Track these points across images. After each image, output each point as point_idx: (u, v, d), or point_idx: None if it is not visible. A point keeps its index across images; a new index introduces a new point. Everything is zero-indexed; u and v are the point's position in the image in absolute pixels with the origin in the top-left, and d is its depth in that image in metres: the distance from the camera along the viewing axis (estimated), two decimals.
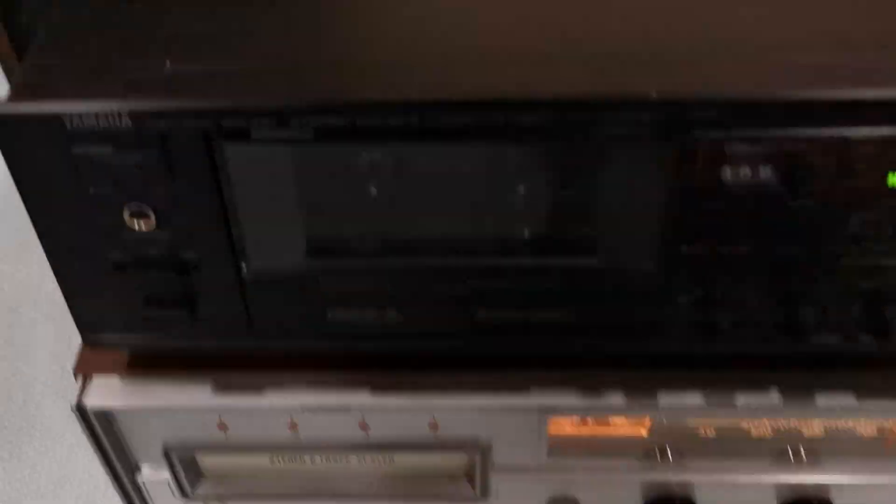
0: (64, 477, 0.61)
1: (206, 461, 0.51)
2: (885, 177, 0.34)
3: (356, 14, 0.39)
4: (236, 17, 0.38)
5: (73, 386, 0.61)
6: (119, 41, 0.37)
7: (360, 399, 0.45)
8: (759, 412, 0.45)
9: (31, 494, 0.59)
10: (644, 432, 0.48)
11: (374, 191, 0.37)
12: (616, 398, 0.45)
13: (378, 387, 0.45)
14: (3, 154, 0.36)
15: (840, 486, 0.49)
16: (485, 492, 0.51)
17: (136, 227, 0.38)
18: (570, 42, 0.36)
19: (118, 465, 0.49)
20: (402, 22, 0.37)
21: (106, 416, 0.46)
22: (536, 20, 0.37)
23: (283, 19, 0.38)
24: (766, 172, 0.34)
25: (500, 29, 0.37)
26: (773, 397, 0.44)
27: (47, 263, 0.76)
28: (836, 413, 0.45)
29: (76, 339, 0.68)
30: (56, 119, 0.34)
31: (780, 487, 0.49)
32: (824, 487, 0.49)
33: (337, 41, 0.37)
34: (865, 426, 0.46)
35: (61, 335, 0.68)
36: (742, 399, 0.44)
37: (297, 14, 0.38)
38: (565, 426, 0.48)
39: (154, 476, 0.51)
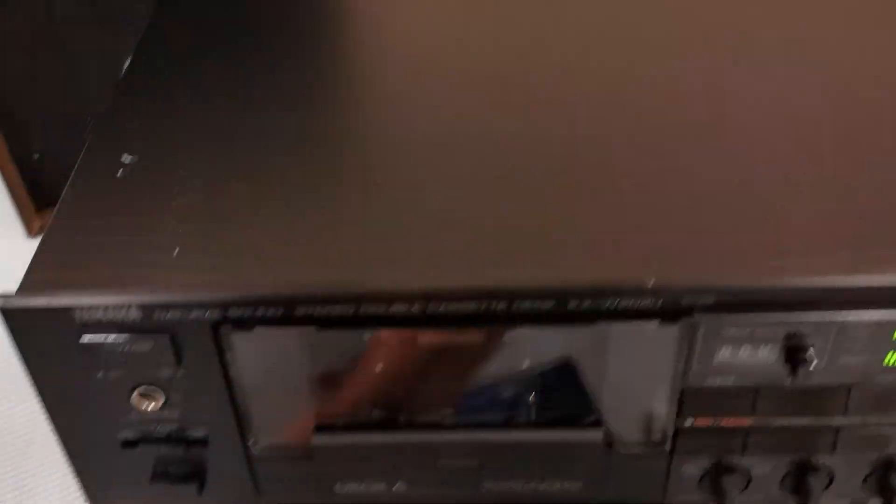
0: None
1: None
2: (881, 357, 0.34)
3: (355, 200, 0.39)
4: (244, 200, 0.39)
5: None
6: (128, 228, 0.38)
7: None
8: None
9: None
10: None
11: (378, 369, 0.38)
12: None
13: None
14: (15, 343, 0.36)
15: None
16: None
17: (145, 408, 0.38)
18: (571, 228, 0.36)
19: None
20: (406, 209, 0.38)
21: None
22: (538, 205, 0.38)
23: (289, 202, 0.39)
24: (764, 353, 0.35)
25: (500, 215, 0.37)
26: None
27: None
28: None
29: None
30: (66, 311, 0.35)
31: None
32: None
33: (340, 228, 0.37)
34: None
35: (69, 482, 0.68)
36: None
37: (308, 193, 0.39)
38: None
39: None
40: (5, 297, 0.35)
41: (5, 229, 0.83)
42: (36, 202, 0.80)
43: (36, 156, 0.77)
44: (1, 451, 0.70)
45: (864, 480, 0.40)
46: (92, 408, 0.39)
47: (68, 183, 0.41)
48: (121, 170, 0.41)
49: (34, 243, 0.39)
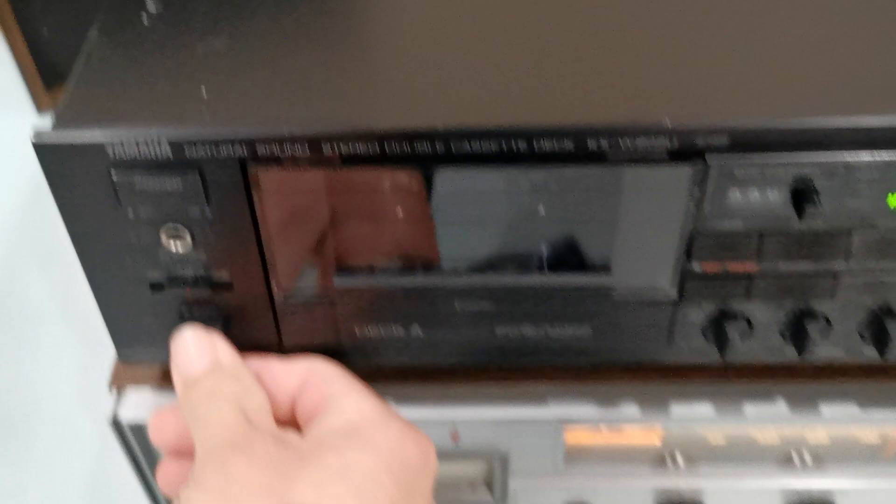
0: (95, 488, 0.63)
1: None
2: (886, 198, 0.36)
3: (386, 44, 0.40)
4: (268, 45, 0.40)
5: (101, 397, 0.63)
6: (157, 69, 0.39)
7: None
8: (767, 421, 0.47)
9: (61, 502, 0.61)
10: (656, 440, 0.49)
11: (399, 212, 0.39)
12: (630, 409, 0.46)
13: (401, 398, 0.47)
14: (47, 178, 0.38)
15: (844, 491, 0.50)
16: (503, 498, 0.53)
17: (173, 248, 0.40)
18: (590, 72, 0.37)
19: (150, 476, 0.51)
20: (428, 54, 0.39)
21: (142, 431, 0.48)
22: (555, 51, 0.39)
23: (313, 49, 0.40)
24: (774, 195, 0.36)
25: (521, 59, 0.38)
26: (780, 407, 0.46)
27: (73, 274, 0.77)
28: (839, 421, 0.46)
29: (102, 352, 0.69)
30: (98, 147, 0.36)
31: (786, 492, 0.51)
32: (829, 492, 0.50)
33: (367, 68, 0.38)
34: (868, 433, 0.48)
35: (87, 347, 0.70)
36: (750, 409, 0.46)
37: (331, 40, 0.40)
38: (581, 435, 0.49)
39: None
40: (39, 132, 0.36)
41: (15, 106, 0.83)
42: (45, 79, 0.80)
43: (45, 31, 0.76)
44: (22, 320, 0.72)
45: (860, 329, 0.41)
46: (121, 248, 0.40)
47: (94, 29, 0.42)
48: (146, 17, 0.42)
49: (44, 120, 0.39)
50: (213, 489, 0.34)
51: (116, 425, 0.47)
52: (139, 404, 0.47)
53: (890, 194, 0.36)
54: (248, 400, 0.38)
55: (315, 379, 0.41)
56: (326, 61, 0.39)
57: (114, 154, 0.36)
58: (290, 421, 0.41)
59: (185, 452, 0.42)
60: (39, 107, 0.81)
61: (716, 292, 0.40)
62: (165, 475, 0.43)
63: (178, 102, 0.37)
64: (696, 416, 0.46)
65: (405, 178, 0.38)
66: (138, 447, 0.48)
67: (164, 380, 0.48)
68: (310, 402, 0.40)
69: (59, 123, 0.37)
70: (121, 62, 0.39)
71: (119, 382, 0.48)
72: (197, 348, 0.40)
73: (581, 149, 0.35)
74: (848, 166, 0.35)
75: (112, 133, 0.36)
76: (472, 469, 0.52)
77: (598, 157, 0.36)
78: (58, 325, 0.71)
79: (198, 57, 0.39)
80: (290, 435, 0.37)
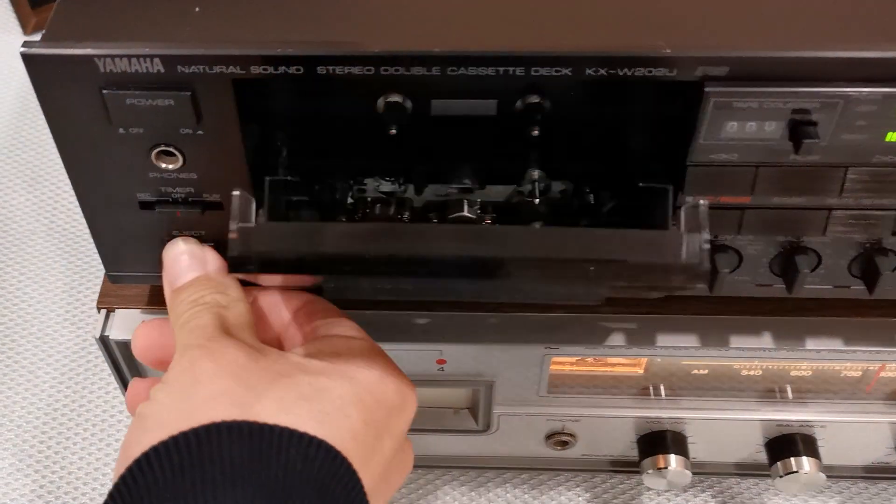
0: (80, 405, 0.63)
1: None
2: (883, 134, 0.36)
3: None
4: None
5: (87, 316, 0.63)
6: None
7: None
8: (752, 354, 0.47)
9: (47, 418, 0.62)
10: (640, 371, 0.50)
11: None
12: (617, 338, 0.47)
13: (387, 325, 0.47)
14: (37, 92, 0.37)
15: (823, 424, 0.51)
16: (487, 425, 0.53)
17: (163, 167, 0.39)
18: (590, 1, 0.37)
19: None
20: None
21: (128, 348, 0.48)
22: None
23: None
24: (771, 127, 0.36)
25: None
26: (766, 340, 0.46)
27: (58, 196, 0.77)
28: (824, 357, 0.47)
29: (89, 271, 0.69)
30: (88, 61, 0.35)
31: (766, 424, 0.52)
32: (808, 424, 0.51)
33: None
34: (850, 368, 0.48)
35: (74, 266, 0.70)
36: (736, 342, 0.46)
37: None
38: (565, 364, 0.50)
39: None
40: (29, 43, 0.35)
41: (2, 26, 0.82)
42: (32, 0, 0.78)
43: None
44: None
45: (850, 265, 0.42)
46: (111, 166, 0.39)
47: None
48: None
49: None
50: (176, 389, 0.35)
51: (104, 341, 0.47)
52: (127, 323, 0.48)
53: (889, 131, 0.36)
54: (230, 311, 0.38)
55: (310, 309, 0.41)
56: None
57: (104, 68, 0.35)
58: (277, 347, 0.41)
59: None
60: (25, 28, 0.79)
61: (708, 223, 0.40)
62: (134, 395, 0.43)
63: (171, 19, 0.36)
64: (681, 348, 0.47)
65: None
66: (125, 364, 0.49)
67: (153, 300, 0.48)
68: (300, 331, 0.40)
69: (49, 36, 0.36)
70: None
71: (108, 302, 0.48)
72: (188, 259, 0.40)
73: (579, 77, 0.35)
74: (847, 99, 0.35)
75: (103, 47, 0.35)
76: (456, 395, 0.53)
77: (596, 86, 0.35)
78: (45, 245, 0.70)
79: None
80: (270, 351, 0.37)
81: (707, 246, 0.35)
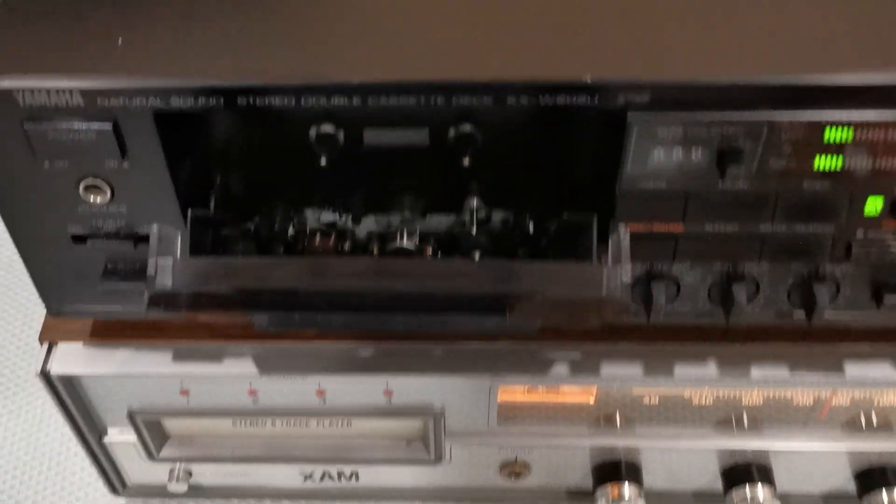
0: (35, 437, 0.63)
1: (171, 425, 0.53)
2: (811, 159, 0.35)
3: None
4: None
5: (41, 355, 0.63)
6: (70, 16, 0.38)
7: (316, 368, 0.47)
8: (698, 382, 0.47)
9: (3, 453, 0.61)
10: (591, 400, 0.49)
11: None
12: (561, 369, 0.46)
13: (333, 354, 0.47)
14: None
15: (779, 452, 0.51)
16: (439, 456, 0.53)
17: (92, 200, 0.39)
18: (511, 27, 0.37)
19: (84, 428, 0.51)
20: (345, 8, 0.38)
21: (71, 382, 0.48)
22: (475, 4, 0.38)
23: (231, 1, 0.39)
24: (696, 155, 0.35)
25: (438, 15, 0.37)
26: (711, 368, 0.46)
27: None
28: (770, 384, 0.46)
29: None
30: (8, 95, 0.35)
31: (721, 452, 0.51)
32: (764, 453, 0.51)
33: (282, 25, 0.37)
34: (801, 396, 0.48)
35: (33, 301, 0.69)
36: (681, 370, 0.46)
37: None
38: (514, 394, 0.49)
39: (121, 438, 0.52)
40: None
41: None
42: None
43: None
44: None
45: (788, 293, 0.41)
46: (41, 200, 0.39)
47: None
48: None
49: None
50: None
51: (46, 377, 0.47)
52: (69, 358, 0.47)
53: (817, 156, 0.36)
54: None
55: None
56: (244, 14, 0.38)
57: (24, 102, 0.35)
58: None
59: None
60: None
61: (642, 253, 0.39)
62: None
63: (93, 52, 0.36)
64: (626, 377, 0.46)
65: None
66: (69, 398, 0.48)
67: (96, 333, 0.48)
68: None
69: None
70: (34, 9, 0.38)
71: (50, 337, 0.48)
72: None
73: (502, 106, 0.35)
74: (771, 125, 0.34)
75: (22, 80, 0.35)
76: (407, 426, 0.52)
77: (526, 114, 0.35)
78: (6, 278, 0.70)
79: (113, 5, 0.38)
80: None
81: (627, 279, 0.34)
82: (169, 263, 0.35)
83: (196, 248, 0.38)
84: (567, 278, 0.34)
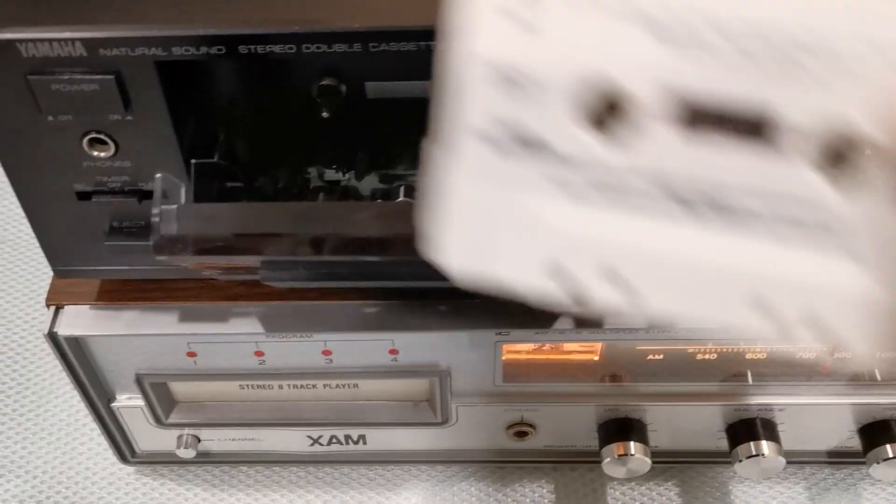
0: (44, 408, 0.63)
1: (179, 389, 0.53)
2: None
3: None
4: None
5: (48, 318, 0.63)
6: None
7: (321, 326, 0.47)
8: (704, 336, 0.47)
9: (12, 423, 0.62)
10: (596, 357, 0.50)
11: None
12: (565, 323, 0.46)
13: (336, 314, 0.47)
14: None
15: (782, 407, 0.51)
16: (445, 417, 0.53)
17: (96, 155, 0.39)
18: None
19: (93, 393, 0.51)
20: None
21: (78, 344, 0.48)
22: None
23: None
24: None
25: None
26: None
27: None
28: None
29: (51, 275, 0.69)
30: (10, 46, 0.35)
31: (726, 409, 0.51)
32: (768, 408, 0.51)
33: None
34: (804, 350, 0.48)
35: (41, 273, 0.70)
36: None
37: None
38: (520, 353, 0.50)
39: (129, 403, 0.53)
40: None
41: None
42: None
43: None
44: None
45: None
46: (45, 156, 0.39)
47: None
48: None
49: None
50: None
51: (53, 339, 0.47)
52: (75, 320, 0.47)
53: None
54: None
55: None
56: None
57: (27, 53, 0.35)
58: None
59: None
60: None
61: None
62: None
63: (95, 3, 0.36)
64: (631, 330, 0.46)
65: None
66: (76, 361, 0.48)
67: (102, 296, 0.48)
68: None
69: None
70: None
71: (57, 300, 0.48)
72: None
73: None
74: None
75: (24, 31, 0.35)
76: (414, 387, 0.52)
77: None
78: (12, 253, 0.71)
79: None
80: None
81: None
82: (174, 209, 0.35)
83: (200, 198, 0.38)
84: None
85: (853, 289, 0.23)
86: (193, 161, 0.38)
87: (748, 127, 0.22)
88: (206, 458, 0.58)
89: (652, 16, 0.22)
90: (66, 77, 0.36)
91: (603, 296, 0.25)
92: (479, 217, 0.26)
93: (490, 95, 0.24)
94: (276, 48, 0.35)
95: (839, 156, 0.22)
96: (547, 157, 0.24)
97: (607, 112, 0.24)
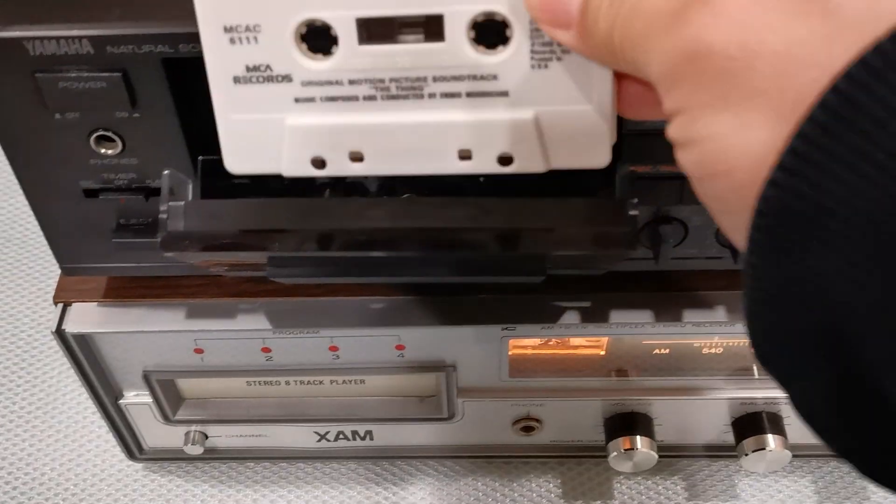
0: (52, 405, 0.63)
1: (186, 386, 0.54)
2: None
3: None
4: None
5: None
6: None
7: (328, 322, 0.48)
8: (708, 330, 0.47)
9: (20, 421, 0.62)
10: (602, 352, 0.50)
11: None
12: (571, 318, 0.47)
13: (346, 309, 0.47)
14: None
15: (789, 400, 0.51)
16: (452, 412, 0.53)
17: (103, 153, 0.39)
18: None
19: (100, 390, 0.51)
20: None
21: (85, 341, 0.48)
22: None
23: None
24: None
25: None
26: (720, 315, 0.46)
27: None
28: None
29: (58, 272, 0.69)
30: (18, 44, 0.35)
31: (732, 403, 0.51)
32: (773, 402, 0.51)
33: None
34: None
35: (48, 272, 0.70)
36: (690, 317, 0.46)
37: None
38: (526, 348, 0.50)
39: (137, 400, 0.53)
40: None
41: None
42: None
43: None
44: None
45: None
46: (52, 153, 0.40)
47: None
48: None
49: None
50: None
51: (60, 335, 0.47)
52: (83, 317, 0.48)
53: None
54: None
55: None
56: None
57: (34, 51, 0.36)
58: None
59: None
60: None
61: (649, 195, 0.40)
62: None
63: (101, 2, 0.36)
64: (635, 325, 0.46)
65: None
66: (84, 358, 0.49)
67: (109, 293, 0.48)
68: None
69: None
70: None
71: (64, 297, 0.48)
72: None
73: None
74: None
75: (31, 29, 0.35)
76: (420, 382, 0.52)
77: None
78: (20, 252, 0.71)
79: None
80: None
81: (635, 212, 0.34)
82: (181, 206, 0.35)
83: (207, 195, 0.38)
84: (578, 213, 0.34)
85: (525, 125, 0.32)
86: (200, 158, 0.38)
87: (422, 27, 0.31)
88: (213, 455, 0.58)
89: None
90: (73, 75, 0.36)
91: (353, 169, 0.34)
92: (254, 134, 0.34)
93: (225, 48, 0.32)
94: None
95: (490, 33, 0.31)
96: (289, 85, 0.33)
97: (314, 38, 0.32)
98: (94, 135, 0.39)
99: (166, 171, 0.37)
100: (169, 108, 0.38)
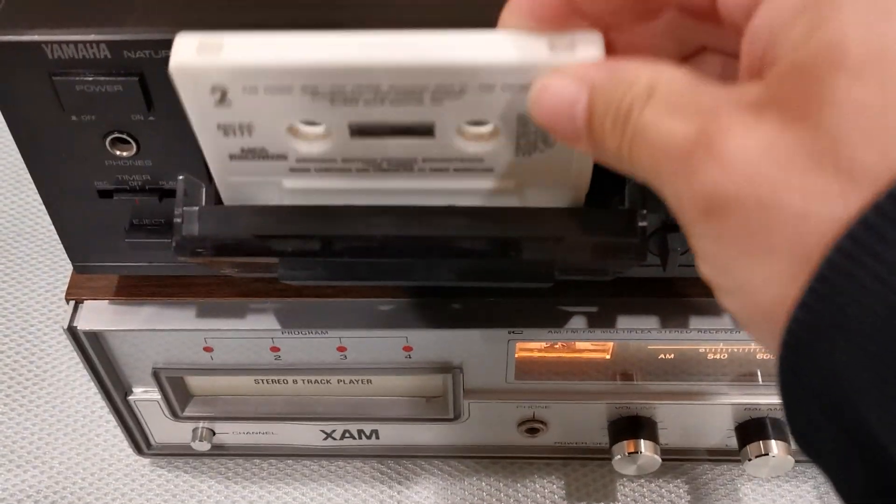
0: (62, 400, 0.64)
1: (195, 383, 0.54)
2: None
3: None
4: None
5: (67, 314, 0.64)
6: None
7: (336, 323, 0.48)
8: (714, 336, 0.47)
9: (30, 415, 0.62)
10: (607, 356, 0.50)
11: None
12: (577, 322, 0.47)
13: (351, 311, 0.48)
14: None
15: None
16: (458, 413, 0.54)
17: (118, 154, 0.40)
18: None
19: (110, 386, 0.52)
20: None
21: (97, 338, 0.49)
22: None
23: None
24: None
25: None
26: (726, 322, 0.46)
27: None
28: None
29: (70, 269, 0.70)
30: (36, 47, 0.36)
31: (736, 408, 0.52)
32: (777, 408, 0.51)
33: None
34: None
35: (59, 266, 0.71)
36: (696, 323, 0.46)
37: None
38: (532, 351, 0.50)
39: (146, 396, 0.53)
40: None
41: None
42: None
43: None
44: None
45: None
46: (68, 154, 0.40)
47: None
48: None
49: None
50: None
51: (73, 334, 0.48)
52: (94, 315, 0.48)
53: None
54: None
55: None
56: None
57: (52, 55, 0.36)
58: None
59: None
60: None
61: (657, 203, 0.40)
62: None
63: (119, 6, 0.37)
64: (641, 330, 0.47)
65: None
66: (95, 355, 0.49)
67: (121, 291, 0.49)
68: None
69: None
70: None
71: (76, 295, 0.49)
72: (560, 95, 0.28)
73: None
74: None
75: (50, 33, 0.36)
76: (427, 383, 0.53)
77: None
78: (30, 246, 0.71)
79: None
80: None
81: (644, 223, 0.35)
82: (195, 210, 0.36)
83: (220, 200, 0.38)
84: (587, 222, 0.34)
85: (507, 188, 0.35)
86: None
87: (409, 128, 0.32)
88: (220, 451, 0.59)
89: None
90: (90, 78, 0.37)
91: None
92: (252, 192, 0.36)
93: (219, 138, 0.34)
94: None
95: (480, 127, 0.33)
96: (284, 162, 0.34)
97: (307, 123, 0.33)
98: (110, 137, 0.39)
99: (181, 176, 0.37)
100: (184, 112, 0.38)
